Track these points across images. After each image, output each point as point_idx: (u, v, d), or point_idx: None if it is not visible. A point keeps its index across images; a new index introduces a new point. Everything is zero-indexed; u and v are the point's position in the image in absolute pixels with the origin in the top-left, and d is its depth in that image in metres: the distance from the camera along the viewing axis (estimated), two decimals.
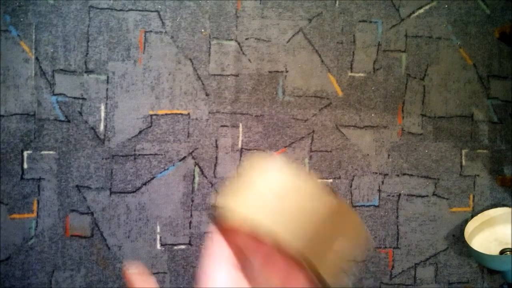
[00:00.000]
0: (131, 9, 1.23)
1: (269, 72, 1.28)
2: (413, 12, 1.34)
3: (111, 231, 1.22)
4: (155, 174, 1.24)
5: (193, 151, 1.25)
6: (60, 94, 1.20)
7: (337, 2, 1.31)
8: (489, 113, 1.38)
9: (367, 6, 1.32)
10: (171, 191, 1.24)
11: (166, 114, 1.24)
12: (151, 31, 1.24)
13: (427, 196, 1.35)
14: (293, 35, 1.29)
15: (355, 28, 1.32)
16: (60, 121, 1.20)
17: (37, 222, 1.19)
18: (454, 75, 1.36)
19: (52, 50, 1.20)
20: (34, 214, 1.19)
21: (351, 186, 1.31)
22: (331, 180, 1.31)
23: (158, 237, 1.24)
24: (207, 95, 1.26)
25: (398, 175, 1.33)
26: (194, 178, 1.25)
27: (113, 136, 1.22)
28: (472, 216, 1.36)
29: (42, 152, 1.19)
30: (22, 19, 1.19)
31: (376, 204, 1.33)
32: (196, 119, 1.25)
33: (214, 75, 1.26)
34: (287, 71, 1.29)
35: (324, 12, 1.31)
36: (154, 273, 1.24)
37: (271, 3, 1.28)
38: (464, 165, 1.36)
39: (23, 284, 1.19)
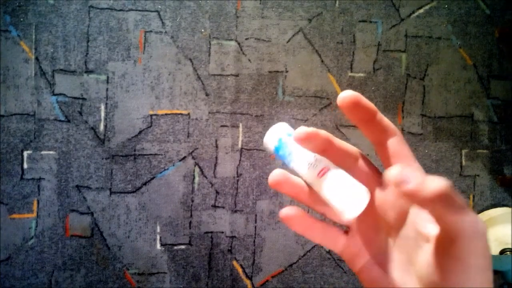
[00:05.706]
0: (131, 9, 1.23)
1: (269, 72, 1.28)
2: (413, 12, 1.34)
3: (111, 231, 1.22)
4: (155, 174, 1.24)
5: (193, 151, 1.25)
6: (60, 94, 1.20)
7: (337, 2, 1.31)
8: (489, 113, 1.38)
9: (367, 6, 1.32)
10: (171, 191, 1.24)
11: (166, 114, 1.24)
12: (151, 31, 1.24)
13: None
14: (293, 35, 1.29)
15: (355, 28, 1.32)
16: (60, 121, 1.20)
17: (37, 222, 1.19)
18: (454, 75, 1.36)
19: (52, 50, 1.20)
20: (34, 214, 1.19)
21: None
22: None
23: (158, 237, 1.24)
24: (207, 95, 1.26)
25: None
26: (194, 178, 1.25)
27: (113, 136, 1.22)
28: None
29: (42, 152, 1.19)
30: (22, 19, 1.19)
31: None
32: (196, 119, 1.25)
33: (214, 75, 1.26)
34: (287, 71, 1.29)
35: (324, 12, 1.31)
36: (154, 273, 1.24)
37: (271, 3, 1.28)
38: (464, 165, 1.36)
39: (23, 284, 1.19)
